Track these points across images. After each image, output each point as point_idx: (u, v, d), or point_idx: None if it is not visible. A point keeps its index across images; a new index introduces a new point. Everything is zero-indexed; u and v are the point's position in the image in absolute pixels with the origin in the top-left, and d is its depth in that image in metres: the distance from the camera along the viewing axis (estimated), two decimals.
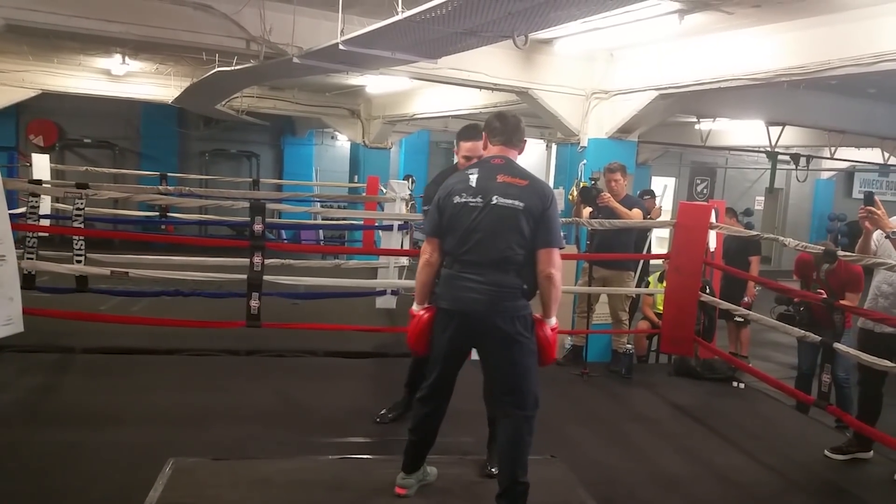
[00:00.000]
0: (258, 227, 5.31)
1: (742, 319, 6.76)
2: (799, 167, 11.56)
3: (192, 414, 4.27)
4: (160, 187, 7.73)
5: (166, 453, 3.47)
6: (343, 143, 15.43)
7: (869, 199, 3.92)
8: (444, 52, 4.24)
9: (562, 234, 3.06)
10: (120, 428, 4.00)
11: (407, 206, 7.67)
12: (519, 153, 3.12)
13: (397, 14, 3.42)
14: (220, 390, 4.80)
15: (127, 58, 9.18)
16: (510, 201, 2.95)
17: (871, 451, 4.32)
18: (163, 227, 9.36)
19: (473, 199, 2.99)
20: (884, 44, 4.45)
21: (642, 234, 7.19)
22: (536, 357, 3.06)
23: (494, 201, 2.95)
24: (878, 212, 3.86)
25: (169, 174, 10.58)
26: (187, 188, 7.40)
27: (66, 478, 3.36)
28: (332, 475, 3.44)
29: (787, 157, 11.71)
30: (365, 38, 3.90)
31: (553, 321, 3.08)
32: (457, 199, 3.03)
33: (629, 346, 6.03)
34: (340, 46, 4.07)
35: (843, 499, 3.95)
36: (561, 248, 3.02)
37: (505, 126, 3.09)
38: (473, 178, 3.03)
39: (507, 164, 3.05)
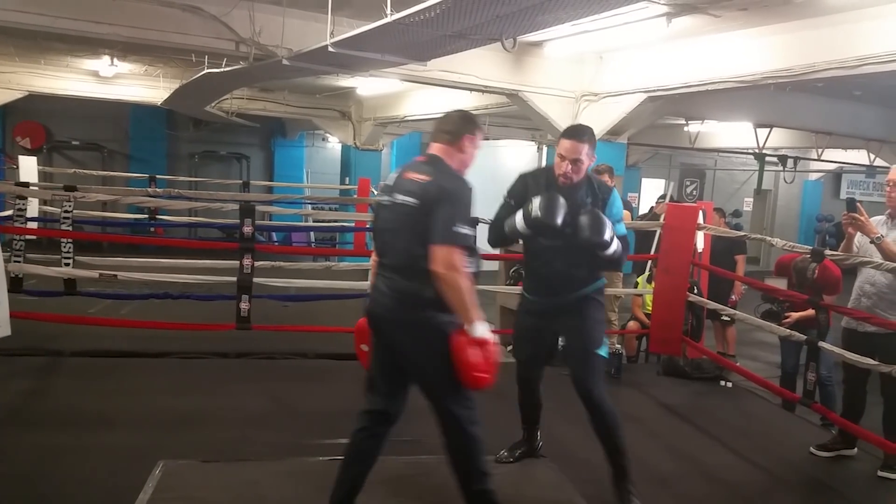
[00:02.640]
0: (248, 230, 5.31)
1: (728, 319, 6.81)
2: (786, 169, 11.67)
3: (182, 416, 4.26)
4: (149, 189, 7.72)
5: (156, 456, 3.47)
6: (334, 144, 15.43)
7: (851, 205, 3.97)
8: (433, 54, 4.27)
9: (462, 230, 2.62)
10: (109, 431, 3.98)
11: None
12: (459, 151, 2.84)
13: (386, 16, 3.44)
14: (210, 393, 4.79)
15: (115, 59, 9.16)
16: (406, 198, 2.73)
17: (856, 448, 4.37)
18: (152, 229, 9.34)
19: (386, 198, 2.86)
20: (867, 47, 4.51)
21: (649, 235, 7.31)
22: (450, 375, 2.69)
23: (398, 199, 2.77)
24: (862, 218, 3.91)
25: (158, 176, 10.56)
26: (176, 190, 7.39)
27: (56, 481, 3.35)
28: (324, 477, 3.43)
29: (774, 159, 11.82)
30: (354, 41, 3.92)
31: (476, 329, 2.63)
32: (378, 198, 3.00)
33: (618, 346, 6.06)
34: (330, 48, 4.08)
35: (828, 495, 3.99)
36: (460, 245, 2.61)
37: (445, 124, 2.90)
38: (394, 176, 2.91)
39: (424, 160, 2.86)
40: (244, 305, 5.28)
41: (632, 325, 6.86)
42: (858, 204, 3.98)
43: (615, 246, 3.30)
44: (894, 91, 7.66)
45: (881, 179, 18.61)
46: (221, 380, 5.09)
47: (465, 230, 2.64)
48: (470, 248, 2.70)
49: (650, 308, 6.46)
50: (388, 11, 3.39)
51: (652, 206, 9.21)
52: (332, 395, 4.83)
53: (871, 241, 3.91)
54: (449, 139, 2.84)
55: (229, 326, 5.36)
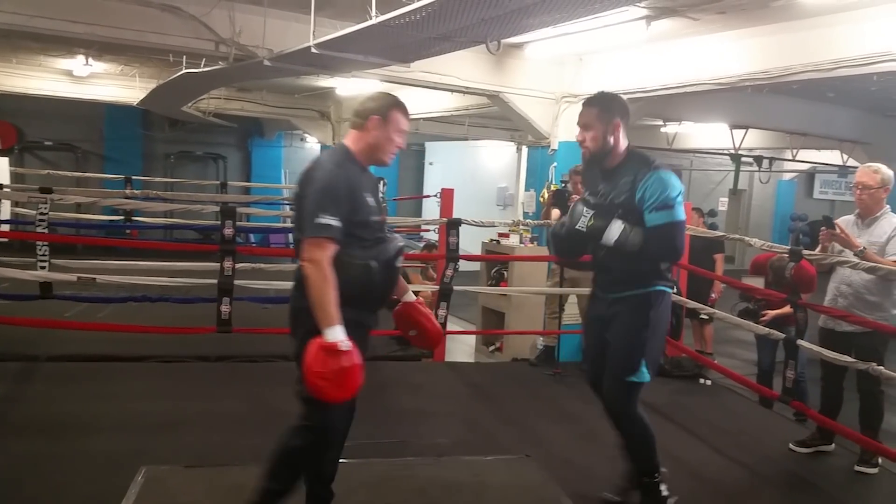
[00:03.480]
0: (229, 232, 5.26)
1: (707, 317, 6.89)
2: (762, 169, 11.83)
3: (164, 421, 4.21)
4: (127, 191, 7.62)
5: (138, 462, 3.43)
6: (313, 145, 15.35)
7: (829, 222, 4.08)
8: (418, 56, 4.27)
9: (326, 220, 2.46)
10: (89, 437, 3.93)
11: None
12: (366, 132, 2.68)
13: (371, 18, 3.43)
14: (192, 397, 4.74)
15: (91, 59, 9.03)
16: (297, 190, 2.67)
17: (833, 444, 4.45)
18: (127, 231, 9.22)
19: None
20: (842, 50, 4.60)
21: None
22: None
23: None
24: (842, 235, 4.00)
25: (133, 177, 10.40)
26: (155, 192, 7.30)
27: (36, 489, 3.29)
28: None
29: (750, 160, 11.98)
30: (338, 42, 3.90)
31: (329, 335, 2.40)
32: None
33: None
34: (313, 49, 4.06)
35: (807, 490, 4.05)
36: (323, 237, 2.47)
37: (357, 108, 2.75)
38: None
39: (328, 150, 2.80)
40: (225, 308, 5.23)
41: None
42: (836, 221, 4.11)
43: (612, 236, 2.96)
44: (867, 93, 7.81)
45: (853, 179, 18.94)
46: (203, 383, 5.05)
47: (330, 220, 2.46)
48: (369, 239, 2.59)
49: None
50: (373, 13, 3.39)
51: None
52: None
53: (856, 254, 3.99)
54: (356, 123, 2.71)
55: (210, 329, 5.31)
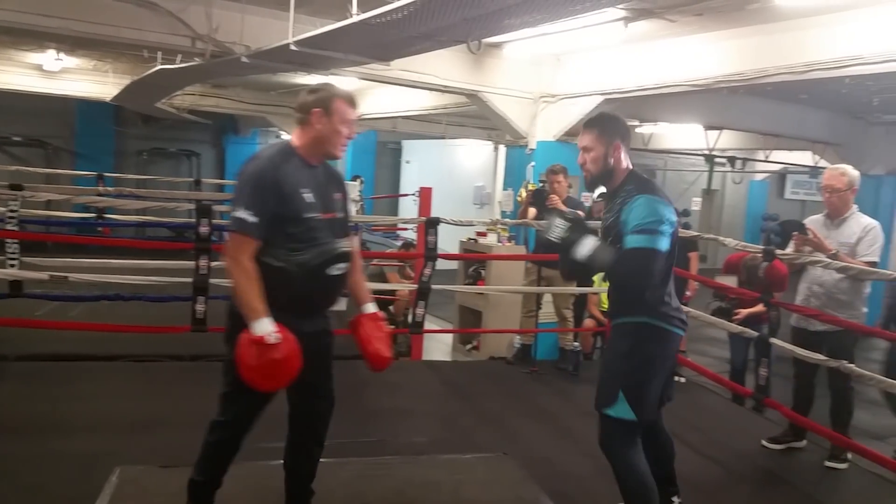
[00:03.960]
0: (205, 230, 5.19)
1: None
2: (735, 169, 11.98)
3: (137, 421, 4.16)
4: (100, 188, 7.50)
5: (112, 462, 3.38)
6: None
7: (802, 229, 4.16)
8: (398, 54, 4.26)
9: (240, 215, 2.44)
10: (62, 437, 3.86)
11: (357, 207, 7.65)
12: (310, 127, 2.59)
13: (351, 16, 3.42)
14: (166, 396, 4.68)
15: (63, 53, 8.87)
16: None
17: (805, 440, 4.53)
18: (99, 229, 9.06)
19: None
20: (815, 53, 4.68)
21: None
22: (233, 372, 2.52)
23: None
24: (815, 240, 4.09)
25: (106, 174, 10.27)
26: (129, 190, 7.20)
27: (8, 490, 3.23)
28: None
29: (723, 160, 12.13)
30: (318, 40, 3.88)
31: (256, 328, 2.40)
32: None
33: (576, 343, 6.15)
34: (292, 47, 4.03)
35: (779, 486, 4.12)
36: (237, 232, 2.46)
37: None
38: None
39: None
40: (200, 307, 5.16)
41: (588, 322, 6.97)
42: (808, 227, 4.21)
43: (583, 252, 2.79)
44: (838, 95, 7.97)
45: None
46: (177, 383, 4.99)
47: (246, 215, 2.42)
48: (302, 239, 2.50)
49: (606, 306, 6.56)
50: (354, 11, 3.37)
51: (590, 207, 9.40)
52: None
53: (828, 258, 4.07)
54: (299, 118, 2.62)
55: (184, 329, 5.24)
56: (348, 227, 2.73)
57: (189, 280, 5.18)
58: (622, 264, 2.77)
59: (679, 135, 11.57)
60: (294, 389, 2.75)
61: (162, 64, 6.59)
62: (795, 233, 4.21)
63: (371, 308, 2.86)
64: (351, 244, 2.71)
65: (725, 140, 10.88)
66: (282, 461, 2.95)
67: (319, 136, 2.58)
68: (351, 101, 2.62)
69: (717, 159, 11.86)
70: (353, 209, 7.29)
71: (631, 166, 3.00)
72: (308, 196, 2.53)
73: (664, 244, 2.76)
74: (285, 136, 14.84)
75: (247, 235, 2.45)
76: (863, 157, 9.61)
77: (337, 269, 2.61)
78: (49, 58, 9.10)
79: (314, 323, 2.69)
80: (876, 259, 4.14)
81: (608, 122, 3.03)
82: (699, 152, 11.67)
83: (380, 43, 3.72)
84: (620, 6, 4.74)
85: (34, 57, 9.44)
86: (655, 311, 2.88)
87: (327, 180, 2.68)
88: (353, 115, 2.62)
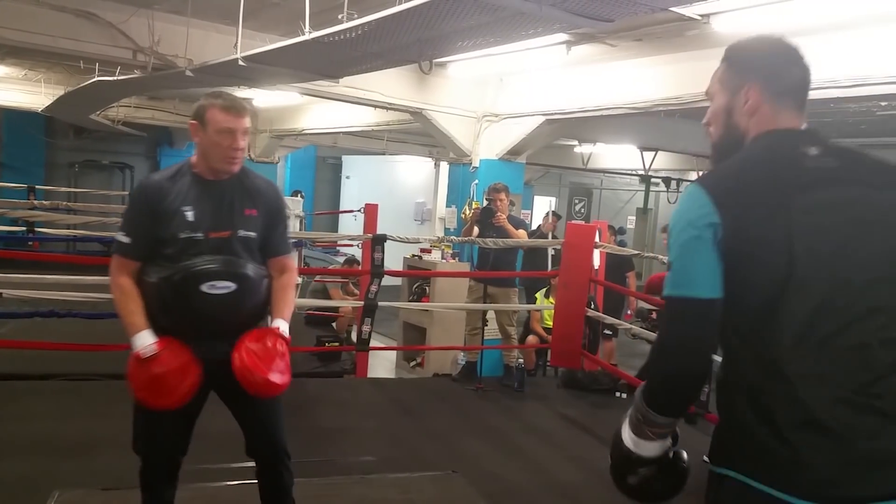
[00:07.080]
0: None
1: (610, 332, 7.14)
2: (669, 189, 12.41)
3: (76, 442, 4.01)
4: (34, 202, 7.22)
5: (50, 485, 3.28)
6: None
7: None
8: (348, 72, 4.27)
9: (118, 237, 2.44)
10: None
11: (300, 223, 7.58)
12: (196, 140, 2.47)
13: (304, 34, 3.42)
14: (105, 416, 4.50)
15: None
16: None
17: None
18: (29, 243, 8.72)
19: None
20: None
21: (542, 252, 7.66)
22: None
23: None
24: None
25: (36, 186, 9.88)
26: (63, 203, 6.96)
27: None
28: (230, 502, 3.35)
29: (658, 180, 12.56)
30: (267, 55, 3.86)
31: (135, 344, 2.33)
32: None
33: (520, 360, 6.23)
34: (241, 62, 4.00)
35: None
36: (116, 253, 2.43)
37: None
38: None
39: None
40: None
41: (531, 339, 7.08)
42: None
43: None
44: None
45: None
46: (116, 402, 4.73)
47: (120, 237, 2.41)
48: (175, 257, 2.35)
49: (548, 322, 6.68)
50: (307, 29, 3.37)
51: (539, 224, 9.67)
52: None
53: None
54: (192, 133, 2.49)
55: (122, 347, 5.07)
56: (258, 245, 2.50)
57: None
58: None
59: (616, 155, 11.92)
60: (237, 416, 2.71)
61: (100, 75, 6.41)
62: None
63: (276, 324, 2.52)
64: (250, 264, 2.45)
65: (660, 161, 11.26)
66: (239, 482, 3.01)
67: (201, 150, 2.44)
68: (228, 108, 2.39)
69: (653, 179, 12.26)
70: (292, 225, 7.28)
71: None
72: (189, 214, 2.39)
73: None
74: None
75: (121, 256, 2.41)
76: None
77: (217, 289, 2.36)
78: None
79: (212, 349, 2.42)
80: None
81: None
82: (636, 172, 12.04)
83: (331, 60, 3.73)
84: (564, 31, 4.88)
85: None
86: None
87: (236, 196, 2.47)
88: (231, 124, 2.38)
